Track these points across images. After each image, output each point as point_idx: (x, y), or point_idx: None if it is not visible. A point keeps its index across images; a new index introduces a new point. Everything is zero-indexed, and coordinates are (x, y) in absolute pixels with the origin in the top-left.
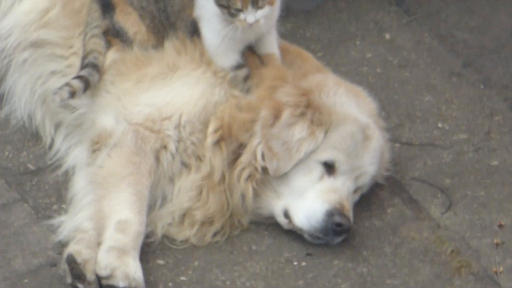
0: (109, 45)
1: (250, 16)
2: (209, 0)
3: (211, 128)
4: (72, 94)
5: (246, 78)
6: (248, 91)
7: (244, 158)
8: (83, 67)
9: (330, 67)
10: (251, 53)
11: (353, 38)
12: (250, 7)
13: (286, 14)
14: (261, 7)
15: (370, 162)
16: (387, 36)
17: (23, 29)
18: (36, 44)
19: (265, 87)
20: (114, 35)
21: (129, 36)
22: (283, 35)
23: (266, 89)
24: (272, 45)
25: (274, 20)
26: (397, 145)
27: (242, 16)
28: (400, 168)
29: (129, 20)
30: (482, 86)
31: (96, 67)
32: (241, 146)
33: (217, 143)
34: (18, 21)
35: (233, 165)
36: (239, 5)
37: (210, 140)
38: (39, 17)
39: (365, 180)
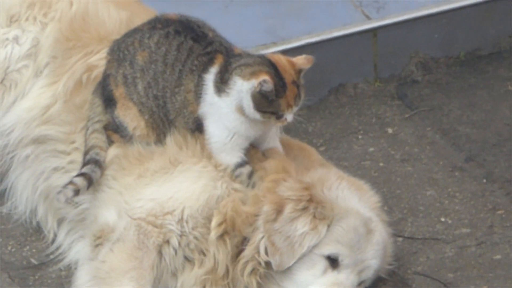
0: (108, 140)
1: (290, 115)
2: (222, 98)
3: (214, 222)
4: (76, 192)
5: (251, 175)
6: (253, 186)
7: (247, 252)
8: (85, 163)
9: (332, 161)
10: (253, 147)
11: (355, 133)
12: (294, 108)
13: None
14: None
15: (373, 255)
16: (390, 131)
17: (25, 125)
18: (38, 140)
19: (269, 180)
20: (114, 129)
21: (128, 131)
22: (286, 129)
23: (271, 182)
24: (273, 139)
25: None
26: (400, 239)
27: (285, 116)
28: (402, 262)
29: (128, 115)
30: (484, 180)
31: (98, 163)
32: (245, 240)
33: (221, 237)
34: (20, 117)
35: (237, 259)
36: (285, 109)
37: (213, 234)
38: (41, 113)
39: (368, 274)
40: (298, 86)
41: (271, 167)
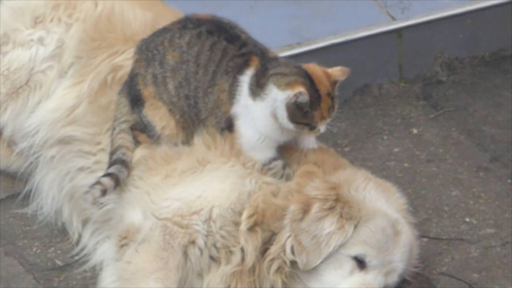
0: (135, 140)
1: (323, 126)
2: (256, 102)
3: (245, 215)
4: (104, 192)
5: (285, 166)
6: (287, 178)
7: (274, 249)
8: (111, 163)
9: (357, 162)
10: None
11: (380, 133)
12: (328, 119)
13: None
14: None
15: (400, 258)
16: (415, 131)
17: (51, 126)
18: (64, 141)
19: (303, 171)
20: (141, 129)
21: (156, 130)
22: None
23: (304, 174)
24: (310, 141)
25: None
26: (425, 239)
27: (318, 127)
28: (428, 262)
29: (157, 115)
30: (509, 181)
31: (124, 163)
32: (272, 236)
33: (252, 228)
34: (46, 118)
35: (263, 255)
36: (318, 121)
37: (244, 225)
38: (66, 114)
39: (394, 277)
40: (332, 98)
41: (309, 158)
